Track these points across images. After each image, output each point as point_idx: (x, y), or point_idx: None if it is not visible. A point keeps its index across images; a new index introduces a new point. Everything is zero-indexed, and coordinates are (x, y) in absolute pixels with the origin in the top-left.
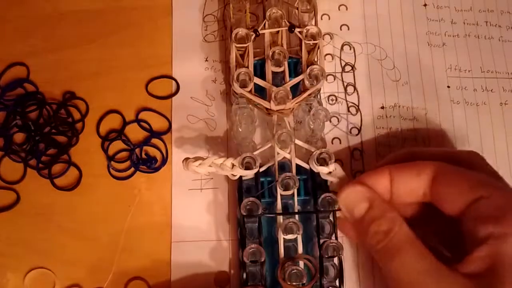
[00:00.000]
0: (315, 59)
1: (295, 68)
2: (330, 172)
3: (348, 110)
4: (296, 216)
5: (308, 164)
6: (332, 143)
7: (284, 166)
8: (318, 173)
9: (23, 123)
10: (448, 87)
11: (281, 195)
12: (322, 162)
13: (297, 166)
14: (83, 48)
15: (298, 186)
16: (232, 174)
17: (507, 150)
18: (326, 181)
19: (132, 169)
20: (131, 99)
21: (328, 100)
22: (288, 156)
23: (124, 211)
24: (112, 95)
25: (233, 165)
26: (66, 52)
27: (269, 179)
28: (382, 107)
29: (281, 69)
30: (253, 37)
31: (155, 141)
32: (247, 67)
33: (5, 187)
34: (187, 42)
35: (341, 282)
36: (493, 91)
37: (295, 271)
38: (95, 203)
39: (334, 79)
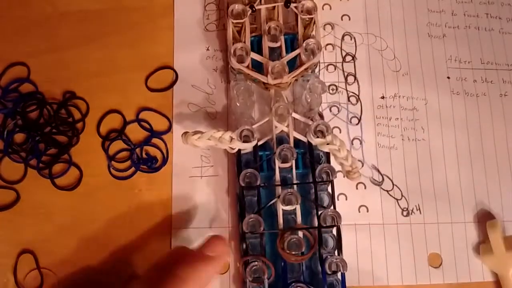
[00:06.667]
0: (312, 34)
1: (292, 44)
2: (327, 144)
3: (349, 100)
4: (295, 187)
5: (306, 138)
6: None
7: (282, 139)
8: (316, 146)
9: (24, 123)
10: (448, 78)
11: (279, 168)
12: (320, 134)
13: (295, 140)
14: (83, 48)
15: (295, 158)
16: (231, 147)
17: (506, 141)
18: (324, 153)
19: (133, 168)
20: (131, 99)
21: (329, 90)
22: (285, 129)
23: (124, 211)
24: (112, 95)
25: (231, 138)
26: (66, 52)
27: (268, 153)
28: (382, 97)
29: (277, 45)
30: (249, 12)
31: (155, 140)
32: (244, 42)
33: (6, 186)
34: (189, 31)
35: (340, 252)
36: (493, 82)
37: (294, 240)
38: (95, 203)
39: (335, 69)
